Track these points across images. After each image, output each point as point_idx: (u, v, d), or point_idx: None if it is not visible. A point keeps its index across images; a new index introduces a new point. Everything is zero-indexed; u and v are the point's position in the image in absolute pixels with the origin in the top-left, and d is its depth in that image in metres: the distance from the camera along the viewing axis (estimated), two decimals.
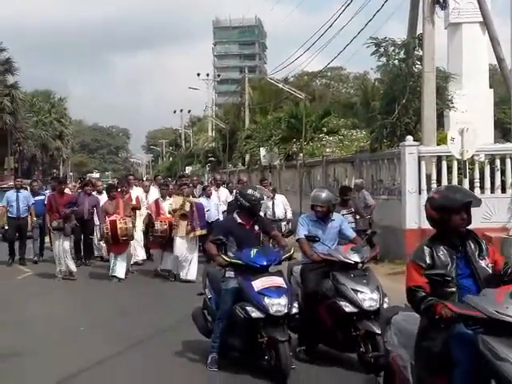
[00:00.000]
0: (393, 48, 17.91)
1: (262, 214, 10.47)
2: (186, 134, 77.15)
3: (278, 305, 7.21)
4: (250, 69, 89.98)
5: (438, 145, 17.13)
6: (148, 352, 8.56)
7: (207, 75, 58.46)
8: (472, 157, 16.14)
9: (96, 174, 64.84)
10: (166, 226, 14.08)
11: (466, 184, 14.96)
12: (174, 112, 74.44)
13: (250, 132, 34.09)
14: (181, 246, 13.83)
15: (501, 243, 14.24)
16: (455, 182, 15.86)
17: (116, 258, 14.03)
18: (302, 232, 8.10)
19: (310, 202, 8.31)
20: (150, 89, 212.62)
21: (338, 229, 8.24)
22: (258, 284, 7.33)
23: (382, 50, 17.80)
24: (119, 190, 14.85)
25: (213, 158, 46.63)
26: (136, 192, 16.06)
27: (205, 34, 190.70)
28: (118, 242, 13.80)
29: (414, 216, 15.57)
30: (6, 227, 17.28)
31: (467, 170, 15.95)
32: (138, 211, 15.06)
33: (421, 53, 17.43)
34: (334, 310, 7.58)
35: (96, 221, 16.25)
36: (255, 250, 7.58)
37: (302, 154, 25.21)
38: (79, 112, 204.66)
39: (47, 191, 19.08)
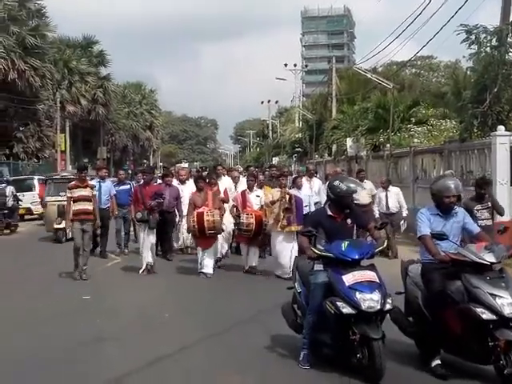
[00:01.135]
0: (484, 35, 17.38)
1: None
2: (274, 125, 77.49)
3: (370, 300, 6.79)
4: (339, 59, 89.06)
5: None
6: (236, 343, 8.44)
7: (294, 65, 58.57)
8: None
9: (185, 165, 65.81)
10: (252, 220, 13.28)
11: None
12: (262, 103, 75.13)
13: (337, 122, 33.79)
14: (278, 242, 13.08)
15: None
16: None
17: (204, 253, 13.27)
18: (424, 229, 7.28)
19: (435, 192, 7.43)
20: (238, 80, 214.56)
21: (461, 223, 7.42)
22: (349, 278, 6.94)
23: (473, 37, 17.29)
24: (208, 181, 14.00)
25: (299, 149, 46.61)
26: (225, 183, 15.32)
27: (293, 24, 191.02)
28: (205, 236, 13.10)
29: (506, 208, 15.09)
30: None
31: None
32: (225, 204, 14.07)
33: None
34: (466, 316, 6.73)
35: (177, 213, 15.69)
36: (346, 243, 7.18)
37: (389, 145, 24.83)
38: (169, 103, 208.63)
39: (133, 182, 18.27)
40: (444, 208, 7.35)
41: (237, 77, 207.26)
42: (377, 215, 15.96)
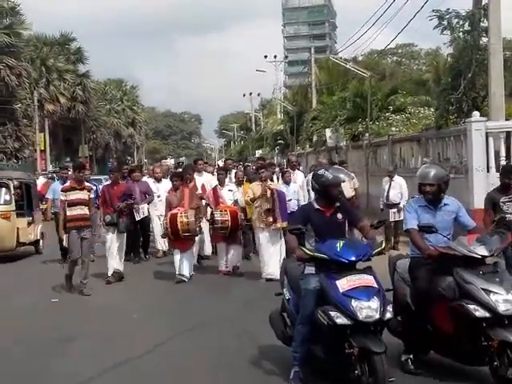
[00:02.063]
0: (457, 20, 17.21)
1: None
2: (257, 118, 77.20)
3: (368, 309, 5.96)
4: (321, 49, 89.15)
5: (507, 120, 16.40)
6: (222, 360, 7.59)
7: (275, 57, 58.16)
8: None
9: (170, 160, 65.17)
10: (227, 216, 12.39)
11: None
12: (244, 95, 74.60)
13: (317, 113, 33.63)
14: (263, 239, 12.18)
15: None
16: None
17: (181, 256, 12.32)
18: (411, 221, 6.77)
19: (418, 180, 6.96)
20: (220, 73, 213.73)
21: (453, 215, 6.83)
22: (344, 283, 6.10)
23: (445, 22, 17.11)
24: (182, 178, 12.96)
25: (281, 141, 46.39)
26: (205, 179, 14.55)
27: (274, 15, 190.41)
28: (181, 238, 12.15)
29: (482, 195, 14.93)
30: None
31: None
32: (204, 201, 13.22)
33: (487, 24, 16.67)
34: (457, 313, 6.28)
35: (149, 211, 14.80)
36: (342, 242, 6.31)
37: (367, 134, 24.67)
38: (152, 99, 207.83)
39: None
40: (426, 198, 6.83)
41: (220, 70, 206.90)
42: (381, 206, 15.74)
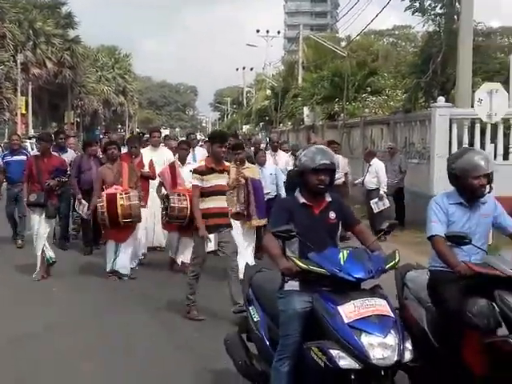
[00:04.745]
0: (429, 2, 16.76)
1: None
2: (250, 93, 76.56)
3: (382, 347, 4.30)
4: (321, 27, 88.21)
5: (473, 107, 16.02)
6: None
7: (267, 32, 57.35)
8: (508, 120, 15.14)
9: (165, 131, 63.95)
10: (186, 202, 9.94)
11: (488, 149, 13.74)
12: (237, 70, 73.71)
13: (298, 91, 33.24)
14: (236, 236, 9.32)
15: None
16: (488, 146, 14.80)
17: (117, 248, 10.24)
18: (437, 226, 5.17)
19: (458, 173, 5.22)
20: (220, 46, 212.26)
21: (490, 218, 5.33)
22: (350, 311, 4.43)
23: (416, 4, 16.65)
24: (127, 149, 11.45)
25: (266, 117, 46.01)
26: (161, 155, 12.10)
27: None
28: (119, 226, 9.99)
29: (442, 182, 14.61)
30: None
31: (502, 134, 15.02)
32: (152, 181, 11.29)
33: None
34: (499, 352, 4.68)
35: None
36: (346, 253, 4.65)
37: (342, 114, 24.34)
38: (148, 68, 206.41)
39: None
40: (472, 194, 5.23)
41: (220, 44, 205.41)
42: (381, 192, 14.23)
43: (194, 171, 8.31)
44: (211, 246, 8.53)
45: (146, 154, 11.94)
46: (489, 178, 5.21)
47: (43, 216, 10.17)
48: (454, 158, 5.39)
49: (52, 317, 8.26)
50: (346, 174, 14.01)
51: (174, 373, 6.36)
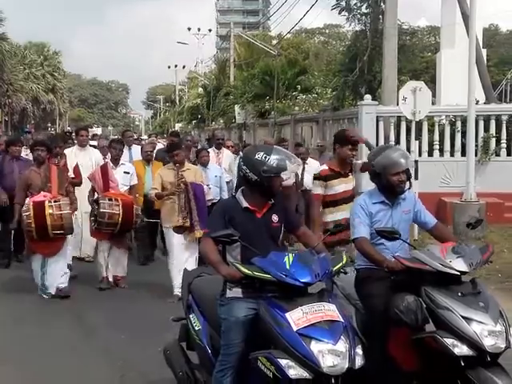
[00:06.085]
0: (355, 1, 17.07)
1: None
2: (182, 91, 76.23)
3: (333, 355, 4.13)
4: (253, 25, 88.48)
5: (398, 104, 16.37)
6: None
7: (198, 30, 57.32)
8: (433, 118, 15.53)
9: (98, 130, 62.63)
10: (117, 208, 9.05)
11: (414, 146, 14.05)
12: (169, 67, 73.11)
13: (230, 89, 33.33)
14: (176, 243, 8.83)
15: (453, 209, 13.62)
16: (413, 143, 15.15)
17: (44, 263, 9.01)
18: (360, 228, 5.20)
19: (378, 170, 5.26)
20: (152, 44, 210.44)
21: (411, 214, 5.41)
22: (298, 317, 4.23)
23: (343, 3, 16.92)
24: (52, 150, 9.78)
25: (199, 116, 45.97)
26: (88, 156, 11.32)
27: None
28: (48, 238, 8.75)
29: (369, 180, 14.90)
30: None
31: (426, 131, 15.39)
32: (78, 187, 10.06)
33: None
34: (426, 348, 4.67)
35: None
36: (291, 257, 4.45)
37: (273, 112, 24.55)
38: (79, 66, 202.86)
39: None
40: (392, 191, 5.28)
41: (152, 41, 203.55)
42: None
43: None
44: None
45: (71, 155, 11.07)
46: (408, 174, 5.30)
47: None
48: (374, 156, 5.45)
49: None
50: (296, 173, 13.58)
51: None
